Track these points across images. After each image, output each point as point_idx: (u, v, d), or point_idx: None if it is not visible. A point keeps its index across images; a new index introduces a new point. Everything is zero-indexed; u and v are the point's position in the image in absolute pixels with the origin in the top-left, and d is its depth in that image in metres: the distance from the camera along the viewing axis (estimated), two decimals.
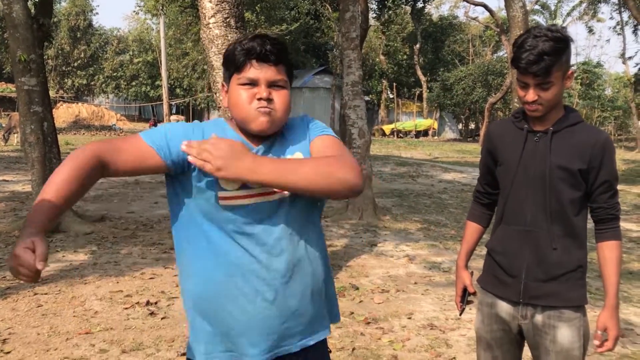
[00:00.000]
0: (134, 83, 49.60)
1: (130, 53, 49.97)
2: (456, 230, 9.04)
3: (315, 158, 1.74)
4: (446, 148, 28.67)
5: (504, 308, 2.39)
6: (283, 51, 1.73)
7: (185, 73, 41.88)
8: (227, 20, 5.09)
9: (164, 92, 39.87)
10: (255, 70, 1.70)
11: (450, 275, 6.58)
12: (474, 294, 2.58)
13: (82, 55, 49.40)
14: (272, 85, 1.72)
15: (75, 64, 49.45)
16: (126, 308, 5.01)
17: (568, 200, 2.26)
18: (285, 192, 1.71)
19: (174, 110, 45.56)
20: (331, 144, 1.81)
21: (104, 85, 50.55)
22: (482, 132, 33.64)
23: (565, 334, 2.27)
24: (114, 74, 49.74)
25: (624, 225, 10.54)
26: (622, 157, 26.08)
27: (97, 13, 48.28)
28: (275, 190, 1.70)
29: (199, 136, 1.73)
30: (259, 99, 1.70)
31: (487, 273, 2.48)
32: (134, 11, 46.78)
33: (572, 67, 2.25)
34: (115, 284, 5.70)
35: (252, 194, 1.71)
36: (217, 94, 5.23)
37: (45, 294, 5.30)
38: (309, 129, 1.85)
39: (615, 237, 2.29)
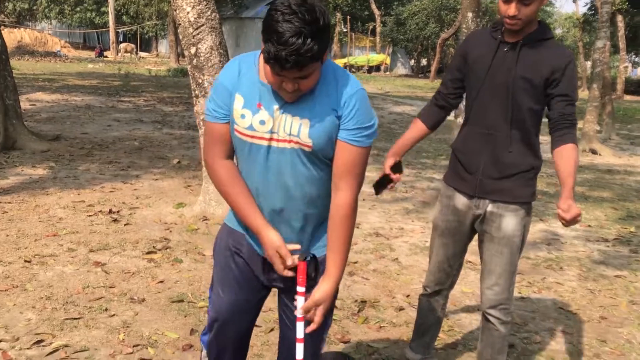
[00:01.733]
0: (78, 9, 47.59)
1: None
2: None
3: (345, 232, 1.95)
4: (398, 83, 28.96)
5: (460, 200, 2.68)
6: (310, 51, 1.69)
7: None
8: None
9: (111, 18, 38.58)
10: (282, 72, 1.75)
11: (396, 194, 7.01)
12: (387, 176, 2.69)
13: None
14: (299, 78, 1.77)
15: None
16: (89, 216, 5.25)
17: (527, 109, 2.51)
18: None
19: (120, 38, 44.13)
20: (356, 163, 1.91)
21: (47, 10, 48.29)
22: (433, 69, 33.94)
23: (509, 222, 2.58)
24: None
25: None
26: None
27: None
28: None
29: (236, 81, 1.92)
30: (286, 89, 1.80)
31: (450, 169, 2.77)
32: None
33: None
34: (77, 195, 5.89)
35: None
36: (177, 11, 5.34)
37: (9, 202, 5.47)
38: (343, 107, 1.87)
39: (572, 140, 2.47)
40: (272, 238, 1.93)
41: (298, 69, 1.72)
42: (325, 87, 1.88)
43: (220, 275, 2.19)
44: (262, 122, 1.89)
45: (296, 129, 1.87)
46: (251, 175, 1.98)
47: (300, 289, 1.96)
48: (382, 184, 2.74)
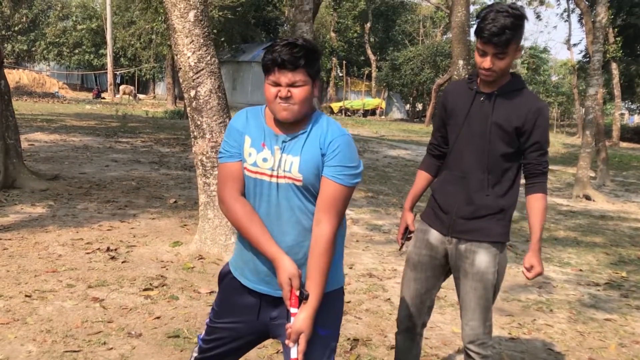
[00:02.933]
0: (77, 51, 48.19)
1: (74, 19, 48.37)
2: (398, 198, 9.57)
3: (322, 264, 2.11)
4: (393, 127, 29.31)
5: (434, 235, 2.81)
6: (302, 58, 2.07)
7: (131, 42, 41.14)
8: None
9: (109, 60, 39.07)
10: (277, 75, 2.09)
11: (390, 235, 7.11)
12: (413, 232, 2.96)
13: (24, 20, 47.58)
14: (291, 85, 2.09)
15: (16, 29, 47.63)
16: (88, 253, 5.32)
17: (501, 155, 2.67)
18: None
19: (118, 80, 44.62)
20: (337, 200, 2.13)
21: (45, 51, 48.94)
22: (428, 113, 34.37)
23: (482, 258, 2.69)
24: (57, 41, 48.17)
25: (556, 200, 11.36)
26: (563, 142, 27.27)
27: None
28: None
29: (245, 124, 2.23)
30: (280, 97, 2.10)
31: (428, 208, 2.92)
32: None
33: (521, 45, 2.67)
34: (75, 233, 5.97)
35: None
36: (178, 56, 5.53)
37: (9, 239, 5.55)
38: (327, 146, 2.14)
39: (542, 190, 2.69)
40: (288, 265, 2.11)
41: (291, 68, 2.07)
42: (316, 130, 2.17)
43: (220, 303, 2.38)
44: (265, 160, 2.16)
45: (289, 166, 2.13)
46: (256, 210, 2.19)
47: (294, 309, 2.12)
48: (405, 236, 2.99)
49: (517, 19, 2.53)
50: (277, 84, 2.10)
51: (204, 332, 2.40)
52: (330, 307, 2.22)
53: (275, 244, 2.14)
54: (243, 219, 2.17)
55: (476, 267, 2.70)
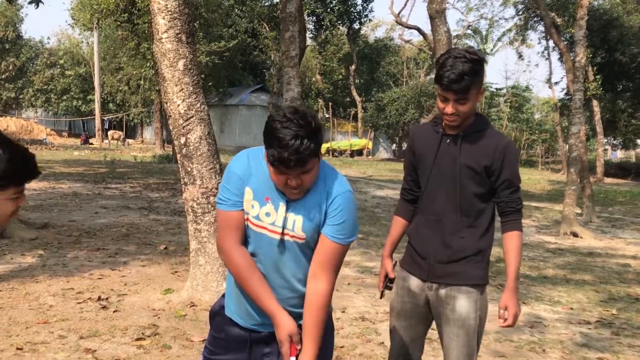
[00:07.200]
0: (65, 97, 48.40)
1: (62, 62, 48.56)
2: None
3: (319, 317, 2.15)
4: (380, 167, 29.51)
5: (414, 282, 2.81)
6: (308, 155, 1.98)
7: (120, 88, 41.41)
8: (179, 35, 5.49)
9: (97, 106, 39.24)
10: (285, 171, 2.01)
11: None
12: (394, 280, 2.95)
13: (11, 68, 47.84)
14: (302, 173, 2.03)
15: (3, 77, 47.83)
16: (79, 303, 5.29)
17: (473, 195, 2.68)
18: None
19: (106, 126, 44.74)
20: (336, 257, 2.17)
21: (33, 98, 49.10)
22: None
23: (462, 304, 2.68)
24: (45, 87, 48.40)
25: (544, 237, 11.45)
26: (549, 178, 27.53)
27: (22, 20, 46.03)
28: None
29: (246, 171, 2.16)
30: (291, 186, 2.06)
31: (406, 254, 2.92)
32: (69, 24, 45.74)
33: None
34: (66, 282, 5.94)
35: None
36: (168, 104, 5.61)
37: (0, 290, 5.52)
38: (330, 204, 2.14)
39: (516, 228, 2.69)
40: (287, 322, 2.14)
41: (300, 166, 1.98)
42: (320, 185, 2.15)
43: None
44: (268, 215, 2.15)
45: (291, 224, 2.13)
46: (255, 260, 2.20)
47: (292, 359, 2.15)
48: (385, 284, 2.97)
49: (475, 63, 2.54)
50: (284, 173, 2.04)
51: None
52: (324, 345, 2.26)
53: (274, 300, 2.15)
54: (244, 270, 2.17)
55: (457, 313, 2.68)
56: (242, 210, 2.17)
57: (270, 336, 2.22)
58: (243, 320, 2.27)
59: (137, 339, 4.50)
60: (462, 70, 2.51)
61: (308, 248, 2.19)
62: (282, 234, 2.15)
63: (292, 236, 2.15)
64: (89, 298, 5.44)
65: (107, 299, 5.47)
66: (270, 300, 2.15)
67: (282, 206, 2.14)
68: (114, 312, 5.12)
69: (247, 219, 2.18)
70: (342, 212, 2.15)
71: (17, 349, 4.15)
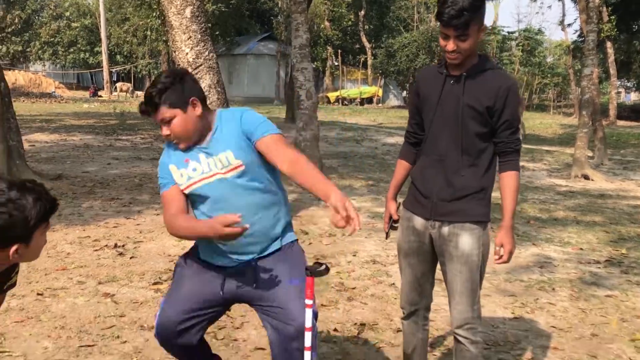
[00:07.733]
0: (72, 50, 48.17)
1: (68, 14, 48.06)
2: None
3: (313, 168, 2.40)
4: (390, 114, 29.32)
5: (418, 221, 2.83)
6: (154, 98, 2.44)
7: (126, 39, 41.05)
8: None
9: (104, 58, 39.02)
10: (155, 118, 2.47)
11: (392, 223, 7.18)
12: (398, 221, 2.98)
13: (17, 21, 47.40)
14: (164, 122, 2.44)
15: (10, 30, 47.47)
16: (96, 250, 5.41)
17: (475, 135, 2.69)
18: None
19: (114, 78, 44.57)
20: (278, 142, 2.44)
21: (40, 52, 48.87)
22: None
23: (466, 240, 2.71)
24: (51, 40, 48.09)
25: (555, 181, 11.45)
26: (560, 122, 27.30)
27: None
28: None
29: (167, 156, 2.55)
30: (167, 137, 2.49)
31: (409, 195, 2.95)
32: None
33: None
34: (82, 231, 6.06)
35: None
36: (176, 52, 5.59)
37: None
38: (241, 124, 2.46)
39: (514, 168, 2.71)
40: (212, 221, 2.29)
41: (151, 113, 2.57)
42: (226, 122, 2.50)
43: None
44: (195, 170, 2.46)
45: (225, 161, 2.40)
46: (217, 211, 2.40)
47: (309, 301, 2.20)
48: (390, 225, 3.03)
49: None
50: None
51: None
52: (293, 258, 2.53)
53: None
54: (184, 222, 2.41)
55: (460, 250, 2.71)
56: (174, 184, 2.48)
57: (242, 268, 2.47)
58: (216, 259, 2.51)
59: (154, 283, 4.62)
60: (462, 6, 2.51)
61: (254, 180, 2.43)
62: (218, 173, 2.42)
63: (231, 169, 2.41)
64: (106, 245, 5.56)
65: (123, 246, 5.58)
66: (203, 223, 2.38)
67: (202, 155, 2.45)
68: (130, 258, 5.23)
69: (188, 187, 2.46)
70: (252, 117, 2.48)
71: (38, 294, 4.28)
